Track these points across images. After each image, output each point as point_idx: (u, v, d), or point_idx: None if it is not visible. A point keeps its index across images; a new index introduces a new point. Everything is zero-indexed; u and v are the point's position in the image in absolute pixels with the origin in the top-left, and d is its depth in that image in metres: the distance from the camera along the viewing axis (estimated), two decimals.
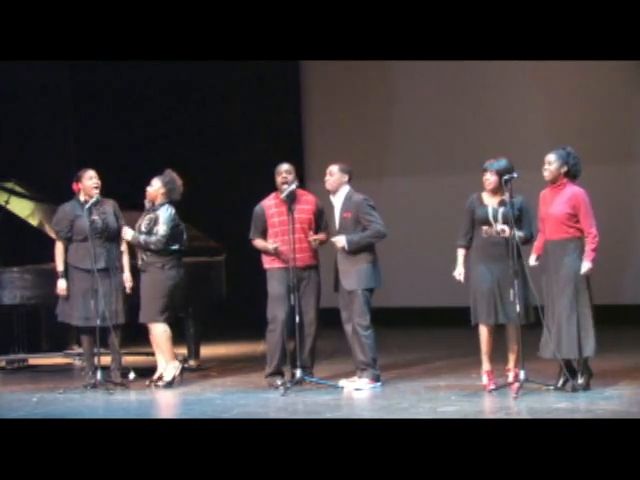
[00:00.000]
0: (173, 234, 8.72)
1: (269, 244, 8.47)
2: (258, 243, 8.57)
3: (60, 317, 9.03)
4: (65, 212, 8.97)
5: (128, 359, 9.37)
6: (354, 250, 8.27)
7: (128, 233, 8.74)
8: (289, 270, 8.39)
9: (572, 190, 7.65)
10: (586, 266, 7.54)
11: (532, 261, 7.78)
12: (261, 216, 8.55)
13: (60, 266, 8.92)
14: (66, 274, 8.90)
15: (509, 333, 7.90)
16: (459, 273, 7.95)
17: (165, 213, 8.70)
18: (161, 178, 8.81)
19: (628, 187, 12.28)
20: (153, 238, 8.64)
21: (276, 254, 8.44)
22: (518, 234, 7.67)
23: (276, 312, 8.48)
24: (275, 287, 8.51)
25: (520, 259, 7.63)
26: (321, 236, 8.56)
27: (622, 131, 12.27)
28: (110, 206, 8.99)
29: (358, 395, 8.12)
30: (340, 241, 8.28)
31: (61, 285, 8.90)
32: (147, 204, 8.84)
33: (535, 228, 7.87)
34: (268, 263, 8.57)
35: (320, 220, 8.65)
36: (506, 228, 7.74)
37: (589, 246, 7.56)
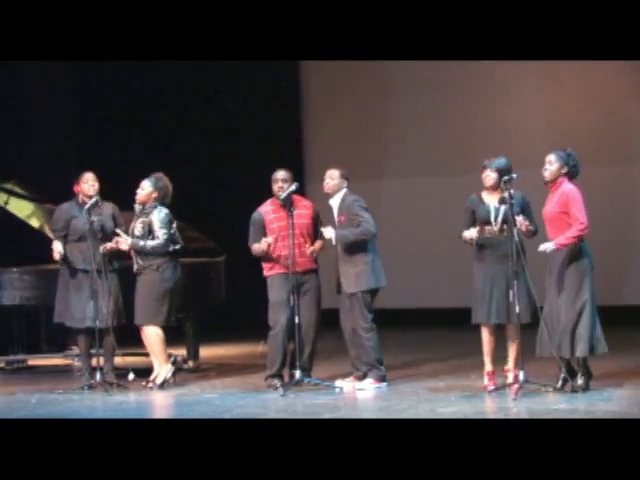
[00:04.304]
0: (171, 235, 8.71)
1: (262, 242, 8.42)
2: (254, 248, 8.52)
3: (56, 318, 9.03)
4: (62, 212, 8.99)
5: (128, 360, 9.37)
6: (342, 244, 8.25)
7: (127, 241, 8.68)
8: (288, 275, 8.39)
9: (563, 189, 7.64)
10: (548, 246, 7.45)
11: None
12: (259, 223, 8.51)
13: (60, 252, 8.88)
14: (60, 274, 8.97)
15: (509, 333, 7.91)
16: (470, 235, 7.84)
17: (159, 215, 8.67)
18: (152, 181, 8.78)
19: (630, 188, 12.28)
20: (155, 242, 8.61)
21: (269, 250, 8.37)
22: (528, 228, 7.68)
23: (278, 317, 8.47)
24: (276, 293, 8.49)
25: (520, 259, 7.62)
26: (317, 246, 8.55)
27: (623, 132, 12.26)
28: (109, 209, 9.00)
29: (358, 396, 8.12)
30: (328, 232, 8.23)
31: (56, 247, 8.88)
32: (137, 207, 8.80)
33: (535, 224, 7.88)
34: (268, 270, 8.55)
35: (318, 226, 8.62)
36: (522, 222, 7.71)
37: (571, 232, 7.49)
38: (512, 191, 7.66)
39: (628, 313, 11.72)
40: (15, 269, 9.77)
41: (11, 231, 10.79)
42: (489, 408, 7.46)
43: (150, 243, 8.61)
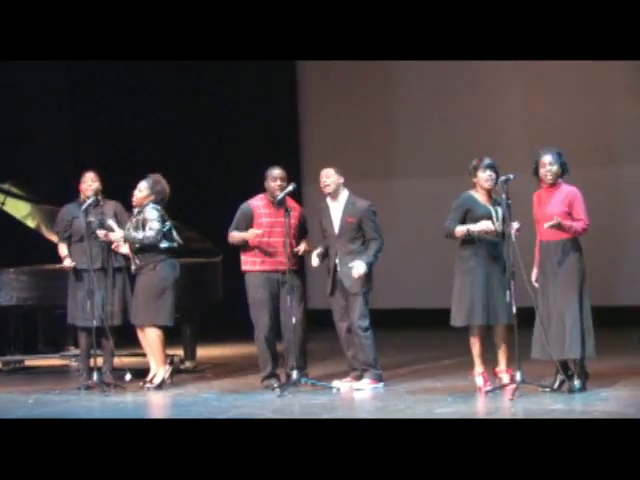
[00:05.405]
0: (163, 229, 8.70)
1: (249, 232, 8.36)
2: (234, 235, 8.44)
3: (69, 319, 9.06)
4: (64, 213, 9.04)
5: (125, 360, 9.37)
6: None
7: (118, 232, 8.69)
8: (270, 273, 8.41)
9: (566, 189, 7.67)
10: (555, 219, 7.43)
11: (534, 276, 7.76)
12: (248, 215, 8.48)
13: (67, 257, 8.96)
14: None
15: (500, 334, 7.90)
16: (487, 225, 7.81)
17: (151, 211, 8.67)
18: (149, 182, 8.78)
19: (621, 189, 12.29)
20: (148, 233, 8.59)
21: (251, 241, 8.37)
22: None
23: (261, 317, 8.47)
24: (257, 291, 8.48)
25: (517, 259, 7.63)
26: (304, 246, 8.54)
27: (616, 132, 12.27)
28: (111, 207, 9.00)
29: (355, 396, 8.13)
30: (360, 268, 8.24)
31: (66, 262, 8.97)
32: (135, 212, 8.80)
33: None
34: (249, 265, 8.53)
35: (303, 227, 8.64)
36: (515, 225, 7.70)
37: (576, 223, 7.52)
38: (507, 192, 7.67)
39: (621, 314, 11.72)
40: (12, 269, 9.78)
41: (8, 231, 10.79)
42: (486, 408, 7.47)
43: (141, 234, 8.60)
